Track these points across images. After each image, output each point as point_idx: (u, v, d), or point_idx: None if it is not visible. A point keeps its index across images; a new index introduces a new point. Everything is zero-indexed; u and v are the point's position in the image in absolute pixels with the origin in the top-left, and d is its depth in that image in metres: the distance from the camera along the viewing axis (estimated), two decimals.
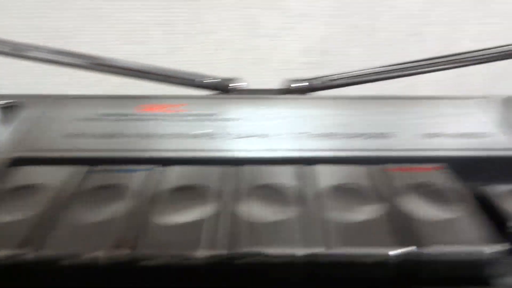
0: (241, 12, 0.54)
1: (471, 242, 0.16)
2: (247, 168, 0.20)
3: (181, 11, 0.54)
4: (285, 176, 0.20)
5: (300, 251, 0.15)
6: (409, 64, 0.29)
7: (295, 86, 0.28)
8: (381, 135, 0.24)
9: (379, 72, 0.28)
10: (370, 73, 0.29)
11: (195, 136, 0.23)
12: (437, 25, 0.58)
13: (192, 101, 0.26)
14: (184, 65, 0.59)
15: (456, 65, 0.32)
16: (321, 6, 0.54)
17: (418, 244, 0.16)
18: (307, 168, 0.20)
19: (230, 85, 0.28)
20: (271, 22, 0.55)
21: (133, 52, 0.56)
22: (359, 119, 0.26)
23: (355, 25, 0.57)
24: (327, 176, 0.20)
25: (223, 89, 0.28)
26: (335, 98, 0.28)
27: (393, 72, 0.28)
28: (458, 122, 0.25)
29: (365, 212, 0.18)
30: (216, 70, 0.61)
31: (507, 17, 0.58)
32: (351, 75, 0.29)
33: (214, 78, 0.29)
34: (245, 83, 0.29)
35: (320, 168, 0.20)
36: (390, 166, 0.21)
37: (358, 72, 0.29)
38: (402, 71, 0.28)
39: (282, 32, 0.57)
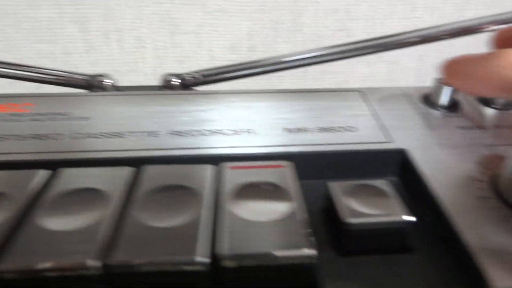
0: (156, 7, 0.52)
1: (287, 246, 0.15)
2: (67, 171, 0.18)
3: (94, 7, 0.51)
4: (110, 179, 0.18)
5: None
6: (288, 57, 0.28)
7: (168, 82, 0.26)
8: (242, 131, 0.22)
9: (254, 66, 0.27)
10: (245, 68, 0.27)
11: (24, 137, 0.21)
12: (363, 20, 0.57)
13: (42, 100, 0.24)
14: (104, 65, 0.56)
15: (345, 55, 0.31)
16: (241, 2, 0.53)
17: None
18: (144, 168, 0.18)
19: (97, 82, 0.26)
20: (191, 18, 0.53)
21: (46, 51, 0.53)
22: (222, 115, 0.24)
23: (279, 20, 0.55)
24: (158, 177, 0.18)
25: (91, 86, 0.26)
26: (207, 93, 0.26)
27: (268, 67, 0.27)
28: (324, 116, 0.24)
29: (181, 218, 0.16)
30: (140, 70, 0.59)
31: (431, 12, 0.58)
32: (224, 70, 0.27)
33: (83, 75, 0.27)
34: (112, 81, 0.26)
35: (149, 168, 0.19)
36: (235, 164, 0.19)
37: (232, 67, 0.27)
38: (280, 64, 0.27)
39: (204, 29, 0.55)
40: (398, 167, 0.22)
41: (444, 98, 0.25)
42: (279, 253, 0.14)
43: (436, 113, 0.25)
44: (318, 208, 0.19)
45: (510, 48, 0.23)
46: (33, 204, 0.16)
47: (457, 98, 0.26)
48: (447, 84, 0.25)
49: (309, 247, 0.14)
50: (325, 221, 0.19)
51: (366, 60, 0.61)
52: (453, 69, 0.23)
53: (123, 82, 0.57)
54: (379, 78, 0.63)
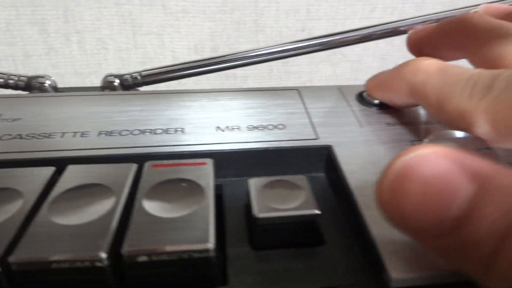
0: (116, 8, 0.52)
1: (186, 241, 0.15)
2: None
3: (52, 8, 0.51)
4: (30, 179, 0.18)
5: None
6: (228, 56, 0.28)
7: (108, 83, 0.26)
8: (172, 131, 0.23)
9: (195, 66, 0.27)
10: (185, 68, 0.27)
11: None
12: (324, 20, 0.58)
13: None
14: (66, 67, 0.56)
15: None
16: (201, 2, 0.53)
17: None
18: (67, 168, 0.19)
19: (36, 83, 0.26)
20: (152, 19, 0.53)
21: (6, 54, 0.53)
22: (156, 114, 0.24)
23: (240, 21, 0.56)
24: (78, 176, 0.18)
25: (29, 88, 0.26)
26: (146, 93, 0.27)
27: (208, 67, 0.27)
28: (258, 114, 0.25)
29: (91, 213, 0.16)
30: (103, 71, 0.59)
31: (390, 12, 0.59)
32: (163, 71, 0.27)
33: (21, 77, 0.27)
34: (49, 82, 0.26)
35: (71, 168, 0.19)
36: (157, 163, 0.20)
37: (171, 67, 0.27)
38: (221, 64, 0.27)
39: (166, 30, 0.55)
40: (324, 164, 0.22)
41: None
42: (177, 247, 0.14)
43: (368, 110, 0.26)
44: (241, 205, 0.20)
45: (422, 48, 0.24)
46: None
47: None
48: (372, 97, 0.26)
49: (207, 241, 0.15)
50: (244, 217, 0.19)
51: (330, 60, 0.61)
52: (374, 83, 0.24)
53: (86, 83, 0.56)
54: (342, 77, 0.64)
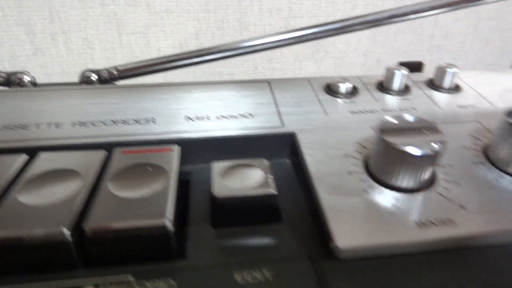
0: (101, 9, 0.52)
1: (144, 217, 0.16)
2: None
3: (38, 9, 0.52)
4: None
5: None
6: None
7: (86, 78, 0.27)
8: (144, 121, 0.24)
9: (170, 60, 0.28)
10: (164, 61, 0.28)
11: None
12: (306, 18, 0.59)
13: None
14: (53, 67, 0.57)
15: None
16: (185, 2, 0.54)
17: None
18: (39, 154, 0.20)
19: (16, 79, 0.27)
20: (137, 19, 0.54)
21: None
22: (130, 106, 0.25)
23: (224, 20, 0.57)
24: (49, 162, 0.19)
25: (9, 83, 0.27)
26: (122, 87, 0.28)
27: (184, 60, 0.28)
28: (228, 105, 0.26)
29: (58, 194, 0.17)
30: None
31: (371, 9, 0.60)
32: (138, 66, 0.28)
33: (1, 72, 0.28)
34: (28, 78, 0.27)
35: (43, 155, 0.20)
36: (126, 149, 0.21)
37: (147, 61, 0.28)
38: (194, 58, 0.28)
39: (151, 29, 0.56)
40: (289, 150, 0.23)
41: (343, 86, 0.27)
42: (136, 223, 0.15)
43: (334, 100, 0.27)
44: (207, 189, 0.21)
45: None
46: None
47: (356, 86, 0.28)
48: None
49: (164, 217, 0.16)
50: (208, 200, 0.20)
51: (313, 57, 0.63)
52: None
53: None
54: (326, 74, 0.65)
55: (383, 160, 0.19)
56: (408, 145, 0.18)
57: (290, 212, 0.19)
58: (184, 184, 0.21)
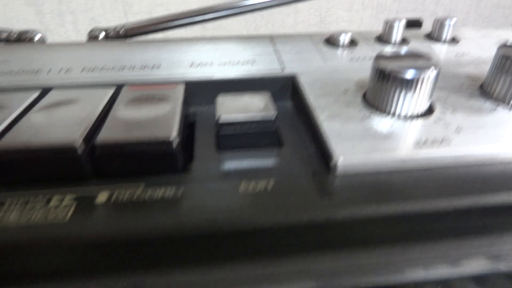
0: None
1: (153, 135, 0.17)
2: None
3: None
4: (16, 99, 0.20)
5: None
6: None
7: (94, 36, 0.28)
8: (149, 66, 0.25)
9: (178, 17, 0.29)
10: (170, 19, 0.29)
11: None
12: None
13: None
14: None
15: None
16: None
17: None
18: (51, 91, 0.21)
19: (26, 37, 0.28)
20: None
21: None
22: (135, 56, 0.26)
23: None
24: (61, 96, 0.20)
25: (18, 41, 0.28)
26: (126, 42, 0.29)
27: (186, 19, 0.29)
28: (230, 54, 0.27)
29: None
30: None
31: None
32: (144, 24, 0.29)
33: (13, 31, 0.29)
34: (38, 36, 0.29)
35: (54, 91, 0.21)
36: (134, 83, 0.22)
37: (152, 20, 0.29)
38: (196, 17, 0.29)
39: (156, 9, 0.57)
40: (289, 92, 0.24)
41: (342, 38, 0.28)
42: (143, 138, 0.16)
43: (334, 50, 0.28)
44: (211, 125, 0.21)
45: None
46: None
47: (355, 39, 0.29)
48: None
49: (169, 133, 0.16)
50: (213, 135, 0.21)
51: None
52: None
53: None
54: None
55: (379, 88, 0.20)
56: (403, 68, 0.19)
57: (291, 140, 0.20)
58: (189, 118, 0.22)
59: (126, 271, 0.15)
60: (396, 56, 0.20)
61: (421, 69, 0.19)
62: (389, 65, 0.19)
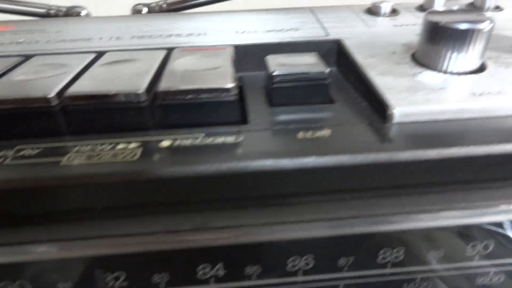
0: None
1: (213, 82, 0.17)
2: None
3: None
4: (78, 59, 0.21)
5: None
6: None
7: (137, 11, 0.29)
8: (196, 34, 0.25)
9: None
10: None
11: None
12: None
13: (21, 23, 0.27)
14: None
15: None
16: None
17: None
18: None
19: (73, 12, 0.29)
20: None
21: None
22: (181, 25, 0.27)
23: None
24: (116, 57, 0.21)
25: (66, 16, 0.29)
26: (169, 14, 0.29)
27: None
28: (274, 23, 0.27)
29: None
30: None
31: None
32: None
33: (60, 7, 0.30)
34: (85, 12, 0.30)
35: (110, 53, 0.22)
36: (184, 47, 0.22)
37: None
38: None
39: None
40: (334, 58, 0.24)
41: (384, 6, 0.28)
42: (204, 86, 0.17)
43: (376, 18, 0.28)
44: (260, 86, 0.22)
45: None
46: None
47: (396, 8, 0.29)
48: None
49: (228, 82, 0.17)
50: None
51: None
52: None
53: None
54: None
55: (432, 44, 0.19)
56: (457, 20, 0.18)
57: (342, 98, 0.20)
58: (239, 79, 0.22)
59: (195, 211, 0.15)
60: (448, 11, 0.20)
61: (475, 22, 0.18)
62: (443, 19, 0.19)
